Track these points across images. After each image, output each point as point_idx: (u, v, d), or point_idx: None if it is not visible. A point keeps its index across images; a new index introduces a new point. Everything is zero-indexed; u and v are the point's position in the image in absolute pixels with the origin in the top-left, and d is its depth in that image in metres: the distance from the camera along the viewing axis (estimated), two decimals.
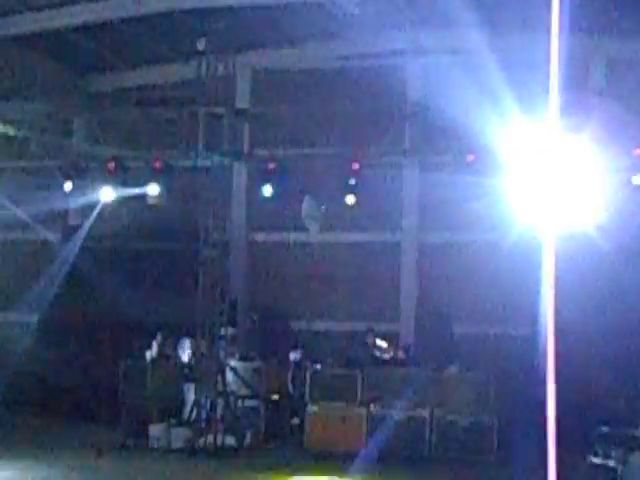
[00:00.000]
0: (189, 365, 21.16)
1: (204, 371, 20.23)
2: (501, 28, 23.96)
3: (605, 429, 14.49)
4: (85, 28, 23.16)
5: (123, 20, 22.64)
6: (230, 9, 21.92)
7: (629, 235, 21.94)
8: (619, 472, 12.95)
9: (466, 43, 24.59)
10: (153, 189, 20.83)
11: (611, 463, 13.34)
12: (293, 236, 24.08)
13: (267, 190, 20.34)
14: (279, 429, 21.09)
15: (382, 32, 23.22)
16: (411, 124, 20.00)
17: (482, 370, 20.17)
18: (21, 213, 23.59)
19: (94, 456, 18.74)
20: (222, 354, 20.50)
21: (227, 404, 20.37)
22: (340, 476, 17.55)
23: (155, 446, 20.33)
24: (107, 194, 21.08)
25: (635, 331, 21.04)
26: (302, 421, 20.31)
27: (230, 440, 19.96)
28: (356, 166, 19.46)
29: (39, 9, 22.22)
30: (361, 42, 23.49)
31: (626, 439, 13.70)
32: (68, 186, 20.84)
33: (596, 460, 13.79)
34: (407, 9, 23.23)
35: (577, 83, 23.15)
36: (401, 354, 21.59)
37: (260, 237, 25.62)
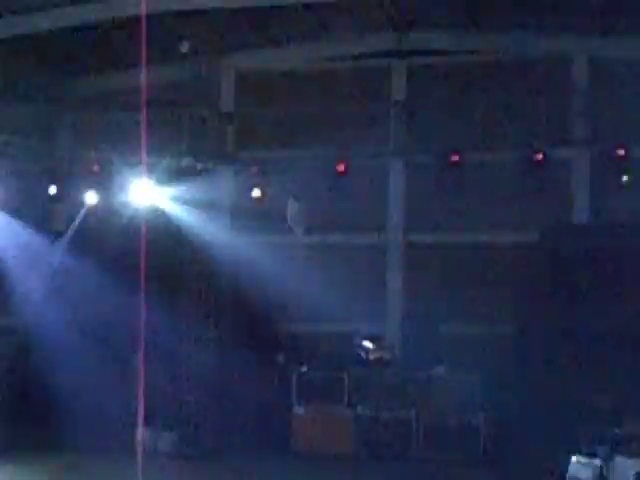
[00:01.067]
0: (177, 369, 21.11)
1: (191, 374, 20.21)
2: (485, 29, 24.07)
3: (590, 428, 14.55)
4: (69, 31, 23.08)
5: (107, 23, 22.57)
6: (213, 11, 21.90)
7: (619, 235, 22.10)
8: (604, 471, 12.99)
9: (450, 44, 24.71)
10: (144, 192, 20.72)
11: (596, 462, 13.38)
12: (279, 238, 24.04)
13: (254, 192, 20.34)
14: (266, 431, 21.07)
15: (366, 33, 23.25)
16: (396, 125, 19.99)
17: (468, 370, 20.19)
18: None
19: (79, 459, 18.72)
20: (208, 357, 20.48)
21: (214, 407, 20.36)
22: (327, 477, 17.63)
23: (142, 450, 20.30)
24: (91, 197, 20.98)
25: (622, 330, 21.13)
26: (289, 423, 20.30)
27: (217, 443, 19.94)
28: (341, 167, 19.46)
29: (22, 12, 22.14)
30: (345, 43, 23.50)
31: (611, 438, 13.76)
32: (52, 190, 20.75)
33: (581, 459, 13.83)
34: (391, 10, 23.29)
35: (560, 82, 23.31)
36: (387, 355, 21.59)
37: (246, 238, 25.57)
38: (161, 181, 20.75)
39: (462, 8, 22.84)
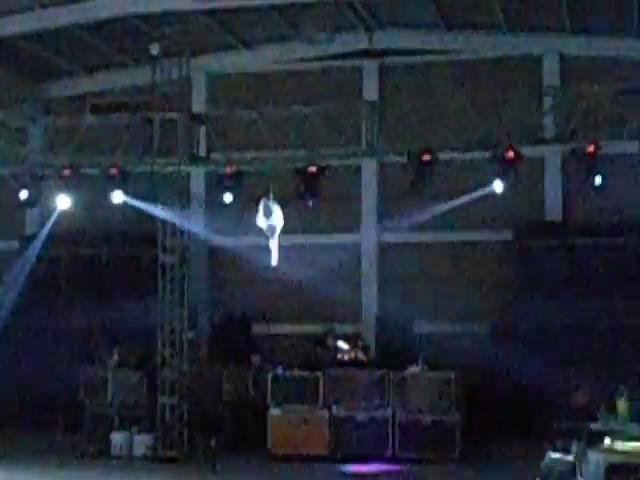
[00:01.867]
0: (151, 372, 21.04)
1: (167, 377, 20.15)
2: (456, 28, 24.14)
3: (565, 423, 14.62)
4: (38, 35, 22.98)
5: (76, 26, 22.49)
6: (183, 13, 21.85)
7: (591, 233, 22.23)
8: (577, 467, 13.06)
9: (421, 44, 24.77)
10: (117, 196, 20.62)
11: (570, 458, 13.44)
12: (253, 239, 24.00)
13: (226, 195, 20.27)
14: (242, 433, 21.04)
15: (337, 34, 23.26)
16: (368, 125, 19.99)
17: (443, 369, 20.24)
18: None
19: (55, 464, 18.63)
20: (184, 360, 20.42)
21: (190, 410, 20.31)
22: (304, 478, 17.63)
23: (117, 453, 20.27)
24: (63, 201, 20.84)
25: (596, 327, 21.26)
26: (265, 424, 20.27)
27: (194, 446, 19.91)
28: (313, 169, 19.43)
29: None
30: (316, 44, 23.50)
31: (585, 433, 13.83)
32: (23, 194, 20.60)
33: (555, 455, 13.89)
34: (362, 11, 23.31)
35: (531, 80, 23.42)
36: (362, 355, 21.60)
37: (219, 241, 25.54)
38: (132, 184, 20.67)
39: (432, 8, 22.92)
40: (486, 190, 19.80)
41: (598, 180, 18.27)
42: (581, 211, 23.14)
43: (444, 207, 22.43)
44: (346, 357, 21.55)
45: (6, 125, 21.07)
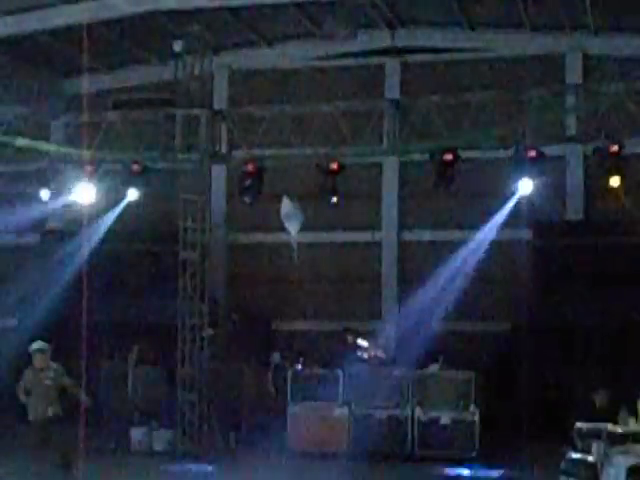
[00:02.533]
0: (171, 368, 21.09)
1: (187, 373, 20.19)
2: (478, 26, 24.10)
3: (585, 423, 14.54)
4: (61, 31, 23.07)
5: (100, 22, 22.56)
6: (206, 10, 21.90)
7: (613, 233, 22.10)
8: (598, 467, 12.99)
9: (443, 42, 24.73)
10: (132, 192, 20.73)
11: (590, 458, 13.37)
12: (273, 237, 24.05)
13: (247, 192, 20.26)
14: (262, 430, 21.05)
15: (359, 31, 23.24)
16: (390, 123, 19.96)
17: (463, 368, 20.19)
18: None
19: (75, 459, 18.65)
20: (204, 356, 20.46)
21: (210, 406, 20.34)
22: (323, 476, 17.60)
23: (137, 449, 20.32)
24: (86, 197, 20.92)
25: (617, 327, 21.15)
26: (284, 421, 20.28)
27: (213, 442, 19.94)
28: (335, 166, 19.42)
29: (14, 13, 22.13)
30: (339, 41, 23.49)
31: (606, 434, 13.75)
32: (45, 192, 20.72)
33: (576, 455, 13.82)
34: (385, 8, 23.29)
35: (554, 80, 23.32)
36: (382, 353, 21.58)
37: (240, 238, 25.59)
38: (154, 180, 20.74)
39: (455, 5, 22.88)
40: (511, 191, 19.68)
41: (619, 179, 18.16)
42: (602, 210, 23.04)
43: (465, 206, 22.40)
44: (366, 355, 21.53)
45: (29, 121, 21.18)
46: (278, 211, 20.36)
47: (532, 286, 22.41)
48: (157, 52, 24.93)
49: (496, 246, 23.72)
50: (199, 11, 21.80)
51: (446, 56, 24.85)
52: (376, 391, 20.09)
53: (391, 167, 24.87)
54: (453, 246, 23.78)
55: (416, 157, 20.82)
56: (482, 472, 18.60)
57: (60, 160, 21.26)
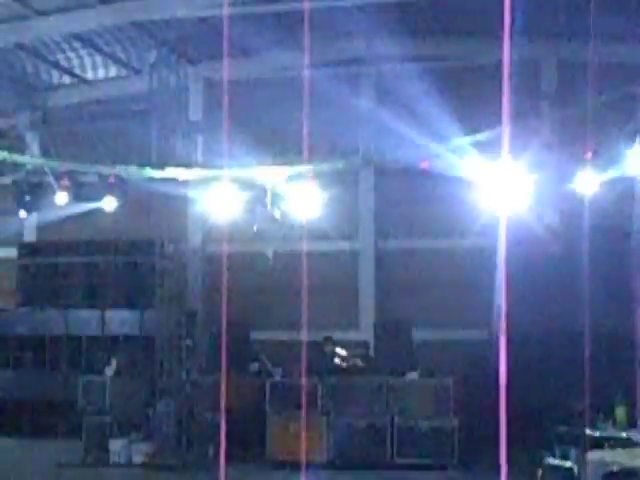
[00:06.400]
0: (150, 379, 21.04)
1: (166, 384, 20.15)
2: (453, 35, 24.18)
3: (563, 429, 14.60)
4: (36, 44, 23.02)
5: (74, 34, 22.52)
6: (181, 21, 21.89)
7: (579, 239, 22.14)
8: (575, 473, 13.05)
9: (419, 50, 24.79)
10: (109, 202, 20.67)
11: (568, 464, 13.43)
12: (250, 246, 24.02)
13: (223, 202, 20.20)
14: (240, 441, 21.01)
15: (335, 41, 23.30)
16: (364, 132, 20.02)
17: (441, 375, 20.23)
18: None
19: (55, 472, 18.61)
20: (183, 367, 20.42)
21: (189, 418, 20.29)
22: None
23: (116, 461, 20.25)
24: (61, 209, 20.86)
25: (594, 332, 21.20)
26: (263, 432, 20.25)
27: (193, 454, 19.89)
28: (310, 175, 19.41)
29: None
30: (314, 51, 23.48)
31: (583, 439, 13.82)
32: (21, 202, 20.61)
33: (553, 461, 13.88)
34: (360, 17, 23.33)
35: (529, 87, 23.41)
36: (360, 361, 21.59)
37: (217, 248, 25.53)
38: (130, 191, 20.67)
39: (430, 14, 22.96)
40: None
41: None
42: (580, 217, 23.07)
43: (440, 214, 22.43)
44: (344, 364, 21.55)
45: (5, 134, 21.12)
46: (254, 220, 20.35)
47: (509, 293, 22.40)
48: (132, 63, 24.88)
49: (473, 254, 23.78)
50: (174, 21, 21.78)
51: (422, 64, 24.86)
52: (355, 399, 20.11)
53: (367, 175, 24.90)
54: (430, 254, 23.81)
55: (392, 166, 20.86)
56: (462, 479, 18.66)
57: (36, 173, 21.18)
